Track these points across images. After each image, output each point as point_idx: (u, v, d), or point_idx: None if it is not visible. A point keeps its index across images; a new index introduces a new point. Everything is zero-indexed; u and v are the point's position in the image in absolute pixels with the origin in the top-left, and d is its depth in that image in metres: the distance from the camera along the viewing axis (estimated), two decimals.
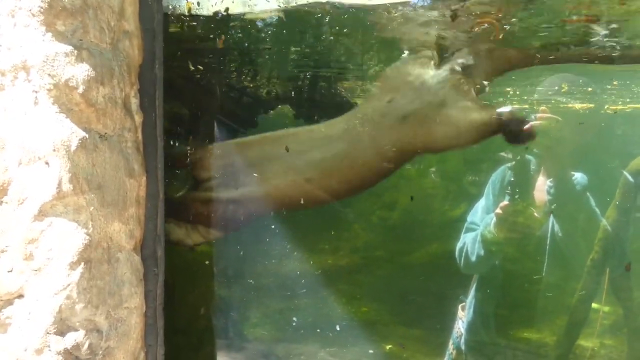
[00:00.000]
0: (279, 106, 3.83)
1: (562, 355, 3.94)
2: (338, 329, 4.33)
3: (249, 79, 3.14)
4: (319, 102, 3.79)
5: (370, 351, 4.21)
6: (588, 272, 3.89)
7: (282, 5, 1.62)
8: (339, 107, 3.84)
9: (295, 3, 1.58)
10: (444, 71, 2.17)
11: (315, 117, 3.80)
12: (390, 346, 4.25)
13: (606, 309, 4.65)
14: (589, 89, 3.48)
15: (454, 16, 2.09)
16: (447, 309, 3.04)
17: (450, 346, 2.57)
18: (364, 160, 2.17)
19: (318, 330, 4.25)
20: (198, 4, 1.64)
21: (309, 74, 3.61)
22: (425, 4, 2.08)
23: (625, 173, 2.49)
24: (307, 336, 4.15)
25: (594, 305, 4.32)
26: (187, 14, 1.67)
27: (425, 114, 2.11)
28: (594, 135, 2.89)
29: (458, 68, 2.16)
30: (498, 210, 2.25)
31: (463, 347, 2.46)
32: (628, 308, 3.98)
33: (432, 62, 2.22)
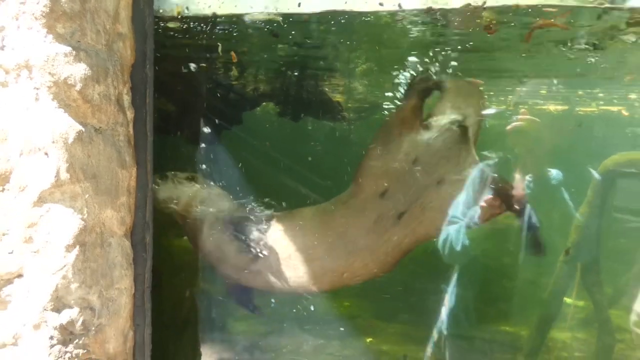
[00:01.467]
0: (264, 103, 3.96)
1: (535, 347, 4.16)
2: (321, 323, 4.49)
3: (235, 77, 3.27)
4: (304, 100, 3.92)
5: (352, 344, 4.37)
6: (560, 267, 4.12)
7: (270, 12, 1.75)
8: (324, 105, 3.99)
9: (287, 10, 1.71)
10: None
11: (302, 115, 3.94)
12: (370, 339, 4.42)
13: (580, 303, 4.90)
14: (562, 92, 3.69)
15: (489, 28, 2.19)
16: (427, 304, 3.22)
17: (434, 330, 2.76)
18: None
19: (301, 324, 4.40)
20: (187, 8, 1.78)
21: (295, 72, 3.74)
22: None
23: (592, 171, 2.69)
24: (290, 330, 4.30)
25: (567, 300, 4.55)
26: (177, 16, 1.81)
27: None
28: (567, 134, 3.10)
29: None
30: (483, 204, 2.43)
31: (445, 332, 2.66)
32: (598, 302, 4.21)
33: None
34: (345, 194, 2.47)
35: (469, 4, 1.57)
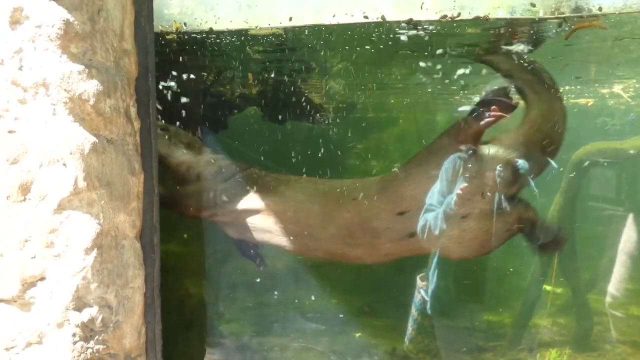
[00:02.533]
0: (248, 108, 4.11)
1: (518, 333, 4.42)
2: (309, 320, 4.67)
3: (222, 84, 3.41)
4: (285, 103, 4.07)
5: (341, 340, 4.55)
6: (538, 255, 4.38)
7: (264, 27, 1.92)
8: (304, 108, 4.15)
9: (279, 24, 1.88)
10: None
11: (280, 118, 4.10)
12: (359, 334, 4.61)
13: (559, 290, 5.19)
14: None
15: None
16: (412, 299, 3.44)
17: (414, 313, 3.01)
18: None
19: (290, 323, 4.57)
20: (185, 24, 1.92)
21: (273, 77, 3.89)
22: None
23: (551, 162, 2.95)
24: (280, 329, 4.46)
25: (547, 287, 4.83)
26: (175, 32, 1.95)
27: None
28: None
29: None
30: (459, 191, 2.68)
31: (429, 311, 2.91)
32: (575, 288, 4.49)
33: None
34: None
35: (446, 15, 1.76)
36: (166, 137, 2.39)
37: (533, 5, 1.72)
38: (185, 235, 2.92)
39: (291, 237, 2.45)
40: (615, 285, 4.04)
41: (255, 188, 2.45)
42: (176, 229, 2.82)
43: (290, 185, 2.51)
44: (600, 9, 1.91)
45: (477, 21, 1.81)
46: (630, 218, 4.25)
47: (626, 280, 4.05)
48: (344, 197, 2.45)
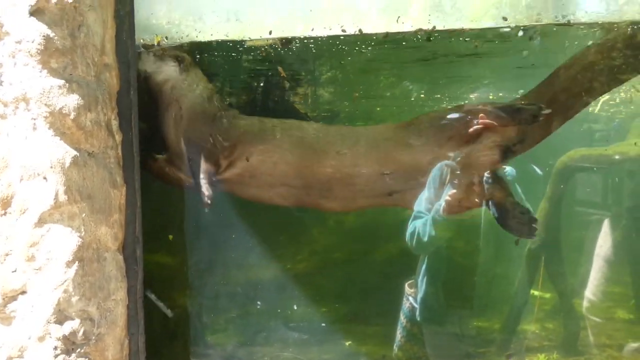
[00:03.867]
0: None
1: (506, 339, 4.47)
2: (297, 330, 4.68)
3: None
4: (271, 111, 4.11)
5: (331, 348, 4.57)
6: (526, 261, 4.45)
7: (244, 39, 1.95)
8: (291, 115, 4.19)
9: (260, 37, 1.92)
10: None
11: None
12: (349, 342, 4.63)
13: (547, 295, 5.26)
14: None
15: None
16: (401, 306, 3.48)
17: (403, 319, 3.07)
18: None
19: (279, 332, 4.57)
20: (166, 37, 1.95)
21: (262, 83, 3.92)
22: None
23: (535, 167, 3.02)
24: (269, 338, 4.46)
25: (534, 292, 4.89)
26: (156, 45, 1.98)
27: None
28: None
29: None
30: (447, 197, 2.74)
31: (418, 317, 2.96)
32: (562, 292, 4.56)
33: None
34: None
35: (421, 29, 1.81)
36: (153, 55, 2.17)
37: (505, 18, 1.78)
38: (170, 237, 2.92)
39: (266, 187, 2.38)
40: (591, 289, 4.13)
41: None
42: (161, 240, 2.83)
43: (277, 131, 2.38)
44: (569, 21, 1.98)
45: (454, 33, 1.86)
46: (606, 223, 4.34)
47: (603, 285, 4.12)
48: (329, 149, 2.36)
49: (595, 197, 5.57)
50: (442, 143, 2.37)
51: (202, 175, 2.30)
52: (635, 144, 4.30)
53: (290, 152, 2.33)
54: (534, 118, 2.21)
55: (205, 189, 2.33)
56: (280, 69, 2.82)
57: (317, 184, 2.34)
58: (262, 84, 3.94)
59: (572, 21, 2.11)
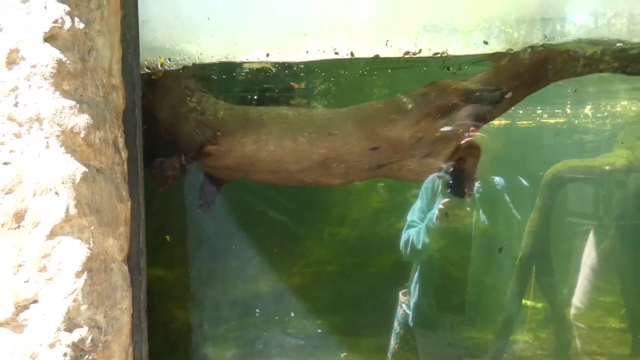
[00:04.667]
0: None
1: (499, 349, 4.58)
2: (293, 342, 4.76)
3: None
4: None
5: None
6: (517, 271, 4.58)
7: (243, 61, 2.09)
8: None
9: (257, 59, 2.06)
10: None
11: None
12: (344, 354, 4.71)
13: (539, 305, 5.38)
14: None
15: None
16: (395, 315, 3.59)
17: (397, 327, 3.19)
18: None
19: (276, 343, 4.65)
20: (169, 59, 2.08)
21: (255, 96, 4.05)
22: None
23: (521, 179, 3.18)
24: (265, 350, 4.53)
25: (526, 302, 5.02)
26: (160, 67, 2.11)
27: None
28: (507, 144, 3.62)
29: None
30: (440, 206, 2.90)
31: (411, 324, 3.09)
32: (553, 302, 4.68)
33: None
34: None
35: (408, 52, 1.96)
36: None
37: (486, 42, 1.92)
38: (167, 238, 3.01)
39: (269, 173, 2.55)
40: (579, 297, 4.26)
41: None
42: (160, 253, 2.93)
43: (269, 119, 2.55)
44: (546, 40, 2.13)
45: (436, 57, 2.00)
46: (592, 233, 4.49)
47: (591, 293, 4.26)
48: (320, 131, 2.53)
49: (585, 208, 5.74)
50: (419, 118, 2.52)
51: (189, 164, 2.53)
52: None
53: (283, 138, 2.50)
54: (498, 101, 2.45)
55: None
56: (292, 84, 2.97)
57: (314, 165, 2.52)
58: (255, 97, 4.08)
59: (556, 40, 2.28)
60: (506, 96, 2.44)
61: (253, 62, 2.18)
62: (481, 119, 2.59)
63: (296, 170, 2.54)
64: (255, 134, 2.45)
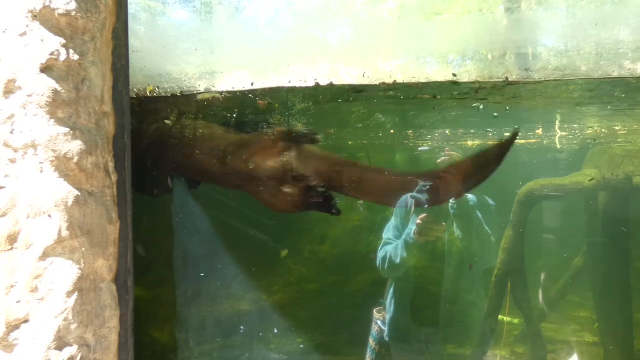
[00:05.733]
0: None
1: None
2: (276, 357, 4.81)
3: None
4: None
5: None
6: (492, 287, 4.75)
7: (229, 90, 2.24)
8: None
9: (242, 88, 2.20)
10: None
11: None
12: None
13: (515, 320, 5.55)
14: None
15: None
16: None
17: (372, 343, 3.31)
18: None
19: None
20: (157, 87, 2.19)
21: (235, 117, 4.17)
22: None
23: (487, 198, 3.36)
24: None
25: (502, 317, 5.18)
26: (148, 94, 2.21)
27: None
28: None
29: None
30: (418, 221, 3.07)
31: (387, 339, 3.22)
32: (528, 317, 4.86)
33: None
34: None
35: (384, 82, 2.12)
36: None
37: (454, 75, 2.10)
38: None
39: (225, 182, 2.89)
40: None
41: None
42: (142, 274, 2.99)
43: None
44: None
45: (411, 87, 2.17)
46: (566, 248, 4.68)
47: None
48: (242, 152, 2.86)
49: (557, 224, 5.97)
50: (275, 154, 2.81)
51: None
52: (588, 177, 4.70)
53: (224, 152, 2.85)
54: (312, 140, 2.81)
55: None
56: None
57: (246, 176, 2.83)
58: (234, 116, 4.20)
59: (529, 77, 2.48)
60: (317, 137, 2.83)
61: (237, 90, 2.32)
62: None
63: (241, 179, 2.88)
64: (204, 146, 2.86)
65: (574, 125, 5.02)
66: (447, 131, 4.27)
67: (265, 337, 4.95)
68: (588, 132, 5.26)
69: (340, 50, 2.37)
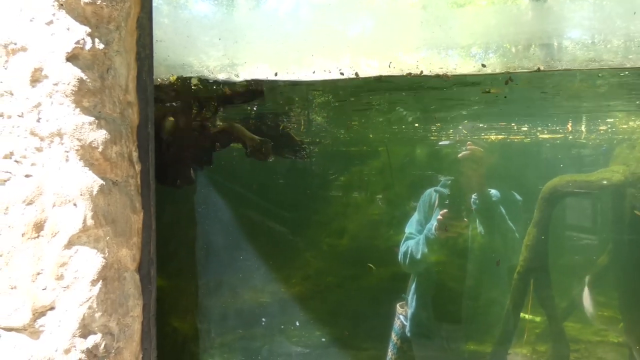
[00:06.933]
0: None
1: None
2: (294, 354, 4.82)
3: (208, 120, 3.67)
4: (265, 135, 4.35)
5: None
6: (515, 284, 4.66)
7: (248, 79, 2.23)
8: (285, 142, 4.43)
9: (266, 78, 2.19)
10: None
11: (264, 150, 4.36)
12: None
13: (537, 318, 5.46)
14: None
15: None
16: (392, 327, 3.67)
17: (394, 338, 3.29)
18: None
19: (275, 356, 4.71)
20: (181, 77, 2.19)
21: (255, 108, 4.17)
22: None
23: (514, 194, 3.29)
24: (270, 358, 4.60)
25: (525, 315, 5.09)
26: (172, 84, 2.22)
27: None
28: (501, 159, 3.77)
29: None
30: (439, 217, 3.03)
31: (409, 334, 3.19)
32: (551, 316, 4.76)
33: None
34: None
35: (410, 73, 2.08)
36: None
37: (484, 65, 2.04)
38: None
39: None
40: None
41: None
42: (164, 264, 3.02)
43: None
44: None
45: (438, 78, 2.12)
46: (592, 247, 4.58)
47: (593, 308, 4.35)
48: None
49: (582, 222, 5.84)
50: None
51: None
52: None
53: None
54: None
55: None
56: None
57: None
58: (255, 109, 4.20)
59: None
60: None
61: (261, 81, 2.30)
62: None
63: None
64: None
65: (603, 120, 4.89)
66: (470, 125, 4.19)
67: (285, 330, 4.96)
68: (617, 127, 5.12)
69: (363, 42, 2.33)
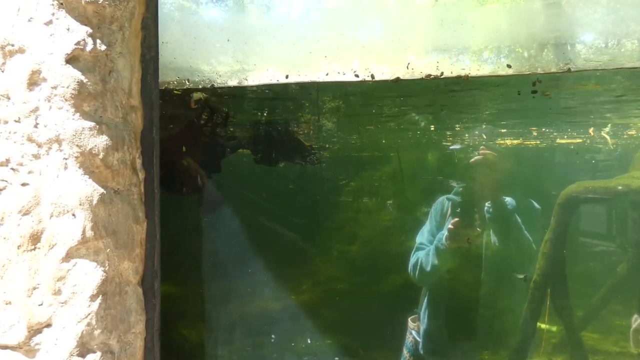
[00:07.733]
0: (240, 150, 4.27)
1: None
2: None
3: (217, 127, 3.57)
4: (277, 144, 4.24)
5: None
6: (531, 293, 4.50)
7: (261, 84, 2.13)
8: (295, 147, 4.32)
9: (277, 81, 2.08)
10: None
11: (273, 158, 4.27)
12: None
13: (554, 328, 5.28)
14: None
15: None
16: (404, 340, 3.52)
17: (406, 354, 3.11)
18: None
19: None
20: (187, 80, 2.09)
21: (265, 114, 4.06)
22: None
23: (532, 202, 3.13)
24: None
25: (541, 325, 4.92)
26: (178, 88, 2.11)
27: None
28: (516, 165, 3.61)
29: None
30: (450, 226, 2.86)
31: (421, 352, 3.01)
32: (569, 325, 4.58)
33: None
34: None
35: (430, 75, 1.95)
36: None
37: (509, 66, 1.92)
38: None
39: None
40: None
41: None
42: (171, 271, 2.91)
43: None
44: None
45: (458, 79, 2.00)
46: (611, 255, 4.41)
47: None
48: None
49: (600, 229, 5.65)
50: None
51: None
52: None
53: None
54: None
55: None
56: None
57: None
58: (265, 114, 4.10)
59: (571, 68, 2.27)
60: None
61: (272, 85, 2.19)
62: None
63: None
64: None
65: (622, 124, 4.72)
66: (485, 129, 4.05)
67: (295, 339, 4.83)
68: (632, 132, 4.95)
69: (378, 44, 2.22)
